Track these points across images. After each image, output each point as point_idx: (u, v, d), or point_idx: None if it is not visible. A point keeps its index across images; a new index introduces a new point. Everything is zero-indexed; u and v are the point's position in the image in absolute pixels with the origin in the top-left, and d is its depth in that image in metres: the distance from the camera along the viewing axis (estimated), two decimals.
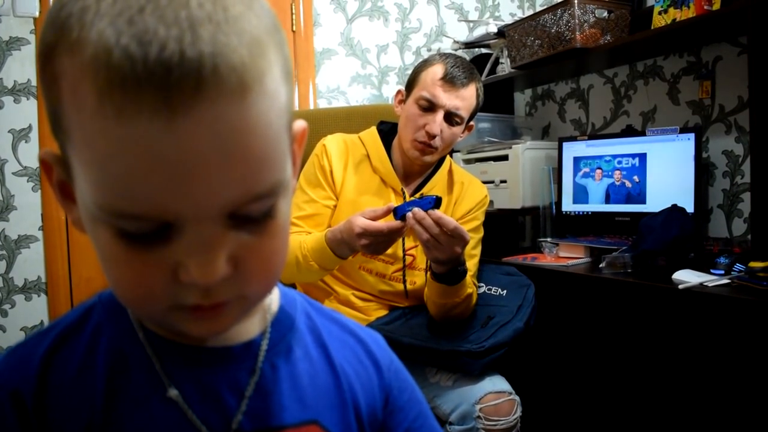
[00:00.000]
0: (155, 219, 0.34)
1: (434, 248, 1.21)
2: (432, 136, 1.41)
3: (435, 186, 1.52)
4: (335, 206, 1.46)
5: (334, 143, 1.50)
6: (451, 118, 1.43)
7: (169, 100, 0.31)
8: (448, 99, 1.41)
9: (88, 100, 0.32)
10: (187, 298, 0.37)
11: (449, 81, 1.41)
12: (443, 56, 1.46)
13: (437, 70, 1.42)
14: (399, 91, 1.52)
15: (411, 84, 1.48)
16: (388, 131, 1.55)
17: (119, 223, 0.35)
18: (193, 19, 0.32)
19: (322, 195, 1.45)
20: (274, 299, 0.50)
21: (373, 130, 1.55)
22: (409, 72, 1.54)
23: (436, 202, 1.19)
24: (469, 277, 1.37)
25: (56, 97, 0.34)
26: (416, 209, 1.18)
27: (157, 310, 0.38)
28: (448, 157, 1.58)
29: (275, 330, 0.48)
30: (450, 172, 1.57)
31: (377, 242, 1.21)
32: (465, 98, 1.43)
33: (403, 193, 1.48)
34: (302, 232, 1.41)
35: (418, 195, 1.48)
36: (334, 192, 1.47)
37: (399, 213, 1.21)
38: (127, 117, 0.31)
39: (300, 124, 0.44)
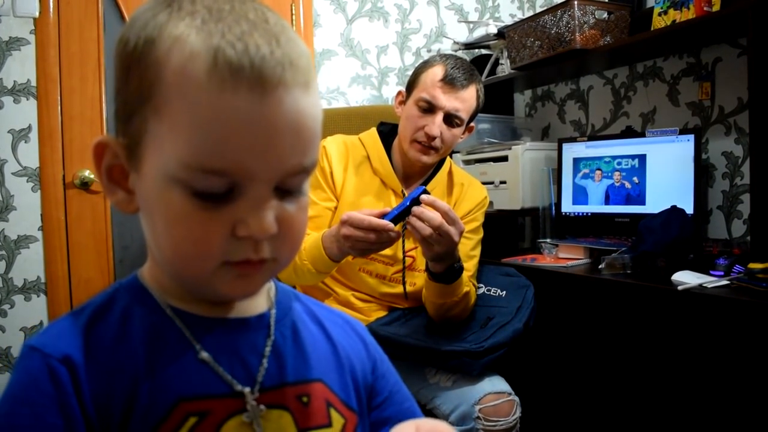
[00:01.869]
0: (234, 175, 0.43)
1: (435, 242, 1.20)
2: (431, 138, 1.41)
3: (435, 187, 1.52)
4: (335, 208, 1.46)
5: (334, 145, 1.50)
6: (450, 119, 1.42)
7: (263, 81, 0.42)
8: (447, 101, 1.40)
9: (196, 75, 0.42)
10: (239, 252, 0.46)
11: (449, 82, 1.40)
12: (443, 57, 1.45)
13: (437, 72, 1.42)
14: (399, 92, 1.52)
15: (411, 85, 1.48)
16: (388, 132, 1.55)
17: (199, 180, 0.43)
18: (272, 32, 0.44)
19: (322, 197, 1.45)
20: (271, 285, 0.59)
21: (373, 131, 1.55)
22: (409, 73, 1.54)
23: (423, 191, 1.18)
24: (467, 277, 1.37)
25: (155, 75, 0.44)
26: (415, 208, 1.17)
27: (207, 268, 0.46)
28: (448, 158, 1.58)
29: (279, 307, 0.57)
30: (450, 173, 1.57)
31: (356, 237, 1.16)
32: (465, 100, 1.42)
33: (404, 194, 1.48)
34: None
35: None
36: (334, 194, 1.46)
37: (388, 219, 1.18)
38: (229, 90, 0.42)
39: None
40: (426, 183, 1.52)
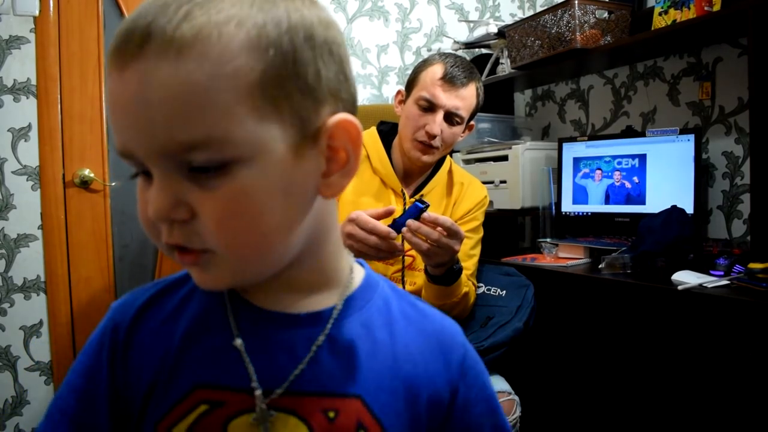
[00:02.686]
0: (127, 155, 0.43)
1: (434, 254, 1.20)
2: (432, 136, 1.41)
3: (435, 187, 1.52)
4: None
5: None
6: (451, 117, 1.42)
7: (119, 59, 0.41)
8: (447, 99, 1.40)
9: None
10: (162, 233, 0.44)
11: (449, 81, 1.40)
12: (443, 56, 1.45)
13: (437, 70, 1.42)
14: (399, 92, 1.52)
15: (411, 84, 1.48)
16: (387, 131, 1.55)
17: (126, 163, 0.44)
18: (160, 6, 0.41)
19: None
20: (356, 279, 0.54)
21: (373, 130, 1.55)
22: (410, 72, 1.54)
23: (425, 208, 1.17)
24: (465, 276, 1.37)
25: None
26: (410, 221, 1.16)
27: (162, 249, 0.46)
28: (448, 157, 1.58)
29: (346, 307, 0.51)
30: (450, 172, 1.56)
31: (359, 236, 1.15)
32: (465, 98, 1.42)
33: (403, 194, 1.48)
34: None
35: (412, 200, 1.48)
36: None
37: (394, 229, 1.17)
38: (107, 76, 0.43)
39: (337, 117, 0.45)
40: (426, 182, 1.52)
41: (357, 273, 0.55)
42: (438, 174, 1.53)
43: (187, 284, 0.53)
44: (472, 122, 1.53)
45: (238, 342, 0.48)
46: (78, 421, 0.49)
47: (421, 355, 0.53)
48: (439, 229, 1.17)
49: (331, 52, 0.45)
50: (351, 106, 0.48)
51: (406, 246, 1.44)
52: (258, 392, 0.47)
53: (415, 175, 1.52)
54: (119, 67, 0.41)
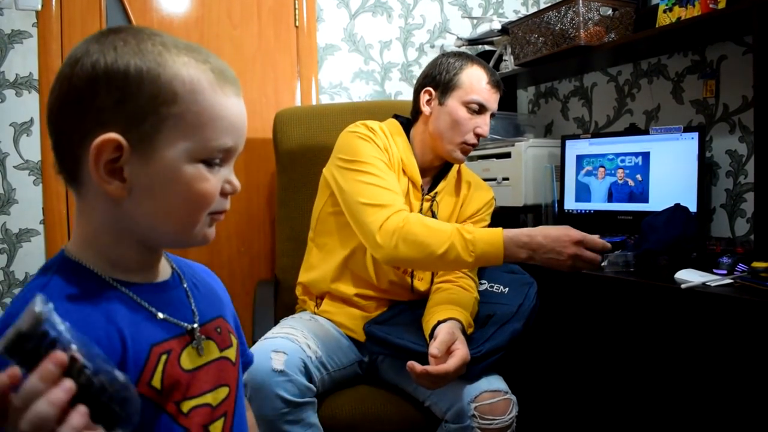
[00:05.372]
0: (232, 150, 0.65)
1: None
2: (481, 138, 1.48)
3: (447, 184, 1.54)
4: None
5: (375, 127, 1.48)
6: (490, 119, 1.50)
7: (237, 87, 0.67)
8: (495, 102, 1.48)
9: (202, 86, 0.64)
10: (222, 205, 0.66)
11: (495, 85, 1.47)
12: (473, 59, 1.49)
13: (481, 75, 1.46)
14: (427, 90, 1.49)
15: (448, 85, 1.46)
16: (403, 126, 1.54)
17: (215, 153, 0.63)
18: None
19: (393, 176, 1.43)
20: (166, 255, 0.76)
21: (397, 123, 1.53)
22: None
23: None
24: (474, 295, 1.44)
25: (170, 91, 0.62)
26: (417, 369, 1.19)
27: (202, 217, 0.64)
28: None
29: (180, 270, 0.74)
30: (459, 170, 1.59)
31: (587, 257, 1.23)
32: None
33: (422, 189, 1.49)
34: (404, 210, 1.34)
35: (429, 197, 1.49)
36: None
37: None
38: (225, 96, 0.66)
39: None
40: (440, 178, 1.54)
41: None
42: (451, 172, 1.56)
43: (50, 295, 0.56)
44: None
45: (161, 315, 0.66)
46: None
47: (217, 286, 0.80)
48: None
49: None
50: None
51: (416, 283, 1.47)
52: (196, 326, 0.69)
53: (430, 171, 1.55)
54: (238, 94, 0.66)
